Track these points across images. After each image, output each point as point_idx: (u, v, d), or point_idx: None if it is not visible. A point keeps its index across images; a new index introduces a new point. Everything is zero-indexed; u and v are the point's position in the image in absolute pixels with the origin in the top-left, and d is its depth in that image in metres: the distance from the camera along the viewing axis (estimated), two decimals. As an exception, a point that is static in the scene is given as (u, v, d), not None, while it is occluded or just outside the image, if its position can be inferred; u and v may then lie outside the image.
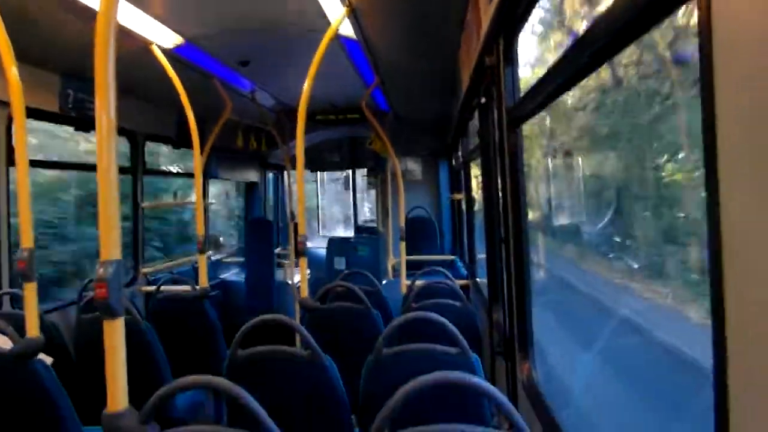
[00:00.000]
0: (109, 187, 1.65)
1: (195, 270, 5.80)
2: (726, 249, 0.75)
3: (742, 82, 0.70)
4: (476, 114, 3.63)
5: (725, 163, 0.74)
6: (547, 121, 4.37)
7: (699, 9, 0.79)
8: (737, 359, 0.74)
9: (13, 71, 2.57)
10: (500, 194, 2.60)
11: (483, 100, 3.08)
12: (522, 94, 2.28)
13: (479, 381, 1.41)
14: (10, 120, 3.58)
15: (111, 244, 1.64)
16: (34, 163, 3.77)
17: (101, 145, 1.65)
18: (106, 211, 1.65)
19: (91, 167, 4.63)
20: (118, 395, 1.63)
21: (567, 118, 4.06)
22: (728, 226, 0.74)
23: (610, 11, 1.17)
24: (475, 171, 5.32)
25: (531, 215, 3.21)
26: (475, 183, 5.58)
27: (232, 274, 7.31)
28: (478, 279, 5.12)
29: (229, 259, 7.64)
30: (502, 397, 1.38)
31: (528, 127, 2.50)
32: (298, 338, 4.51)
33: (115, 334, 1.65)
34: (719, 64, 0.75)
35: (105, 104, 1.64)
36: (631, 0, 1.06)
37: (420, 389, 1.39)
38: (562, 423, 1.88)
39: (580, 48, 1.43)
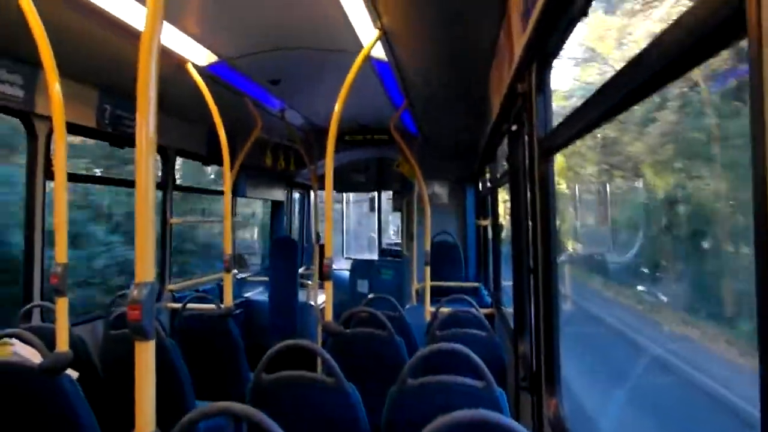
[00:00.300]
0: (146, 206, 1.65)
1: (220, 288, 5.83)
2: None
3: None
4: (505, 140, 3.61)
5: None
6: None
7: (750, 44, 0.77)
8: None
9: (56, 87, 2.63)
10: (530, 223, 2.56)
11: (514, 127, 3.06)
12: (555, 124, 2.25)
13: (507, 421, 1.38)
14: (49, 134, 3.68)
15: (146, 266, 1.64)
16: (72, 178, 3.85)
17: (140, 163, 1.65)
18: (143, 230, 1.65)
19: (129, 183, 4.73)
20: (146, 418, 1.63)
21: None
22: None
23: (654, 45, 1.15)
24: (503, 197, 5.28)
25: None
26: (502, 209, 5.53)
27: (256, 293, 7.33)
28: (503, 307, 5.04)
29: (253, 278, 7.68)
30: None
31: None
32: (320, 362, 4.48)
33: (145, 356, 1.64)
34: None
35: (145, 122, 1.66)
36: (675, 38, 1.03)
37: (447, 427, 1.36)
38: None
39: (620, 82, 1.41)
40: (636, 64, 1.28)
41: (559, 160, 2.37)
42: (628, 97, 1.39)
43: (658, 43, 1.12)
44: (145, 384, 1.63)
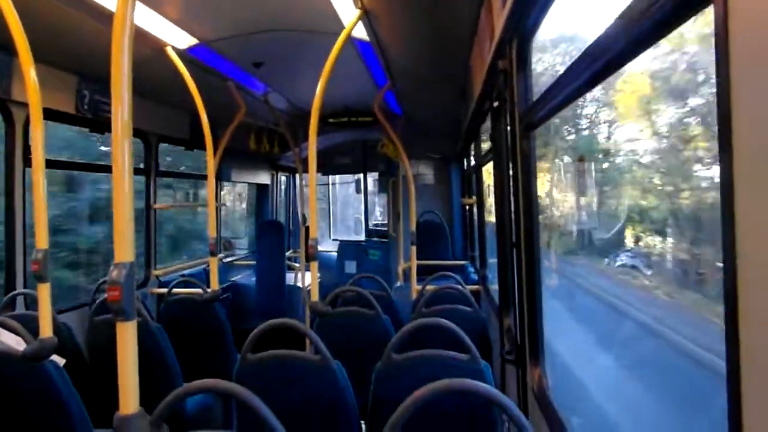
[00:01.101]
0: (123, 189, 1.65)
1: (206, 272, 5.82)
2: (740, 249, 0.73)
3: (759, 83, 0.69)
4: (488, 118, 3.61)
5: (740, 163, 0.73)
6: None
7: (716, 14, 0.78)
8: (749, 360, 0.72)
9: (31, 72, 2.58)
10: (512, 199, 2.58)
11: (495, 104, 3.06)
12: (535, 99, 2.26)
13: (490, 389, 1.40)
14: (27, 120, 3.62)
15: (124, 247, 1.64)
16: (50, 164, 3.81)
17: (116, 147, 1.64)
18: (121, 213, 1.65)
19: (107, 168, 4.67)
20: (129, 398, 1.63)
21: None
22: (743, 226, 0.72)
23: (626, 14, 1.15)
24: (488, 175, 5.30)
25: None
26: (487, 187, 5.56)
27: (242, 277, 7.33)
28: (489, 285, 5.09)
29: (239, 262, 7.67)
30: (513, 407, 1.36)
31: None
32: (308, 342, 4.50)
33: (127, 337, 1.65)
34: (735, 67, 0.73)
35: (120, 106, 1.65)
36: (648, 3, 1.04)
37: (430, 396, 1.38)
38: (574, 429, 1.86)
39: (596, 52, 1.42)
40: (610, 34, 1.28)
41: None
42: (605, 67, 1.40)
43: (629, 12, 1.13)
44: (128, 365, 1.64)
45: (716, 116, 0.78)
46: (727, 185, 0.75)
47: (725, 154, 0.75)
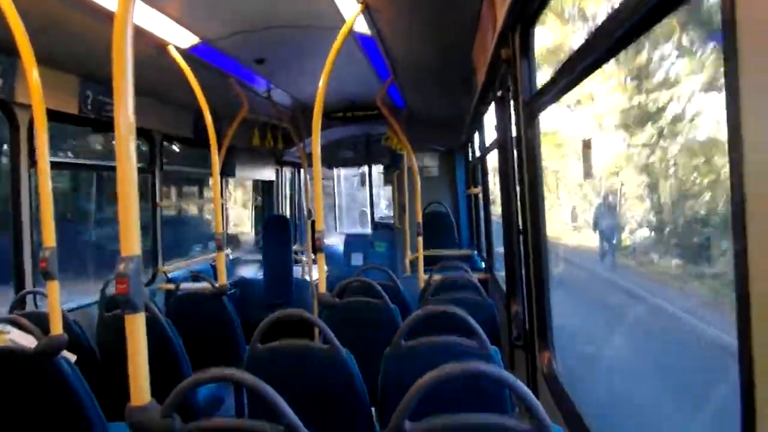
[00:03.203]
0: (128, 186, 1.67)
1: (214, 268, 5.85)
2: (752, 240, 0.73)
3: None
4: (492, 108, 3.61)
5: (752, 156, 0.72)
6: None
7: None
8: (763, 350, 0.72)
9: (34, 74, 2.59)
10: (518, 186, 2.58)
11: (499, 93, 3.06)
12: (539, 86, 2.25)
13: (500, 371, 1.40)
14: (31, 122, 3.64)
15: (131, 241, 1.66)
16: (55, 165, 3.83)
17: (120, 145, 1.67)
18: (126, 208, 1.67)
19: (111, 168, 4.70)
20: (141, 389, 1.65)
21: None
22: (755, 219, 0.72)
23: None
24: (493, 165, 5.29)
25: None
26: (492, 177, 5.55)
27: (250, 272, 7.36)
28: (495, 272, 5.09)
29: (247, 257, 7.70)
30: (524, 388, 1.36)
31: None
32: (317, 333, 4.53)
33: (136, 329, 1.67)
34: (744, 59, 0.72)
35: (123, 105, 1.66)
36: None
37: (441, 380, 1.38)
38: (584, 412, 1.87)
39: (599, 36, 1.41)
40: (612, 18, 1.28)
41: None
42: (608, 50, 1.40)
43: None
44: (138, 356, 1.66)
45: (726, 112, 0.77)
46: (736, 172, 0.74)
47: (735, 154, 0.74)
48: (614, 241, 5.58)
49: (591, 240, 6.09)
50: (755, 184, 0.71)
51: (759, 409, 0.74)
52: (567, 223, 6.82)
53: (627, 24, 1.20)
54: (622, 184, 5.16)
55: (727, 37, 0.75)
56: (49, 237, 2.61)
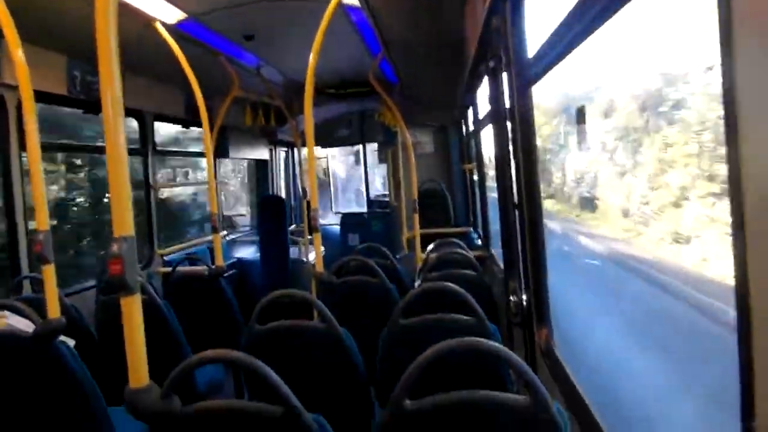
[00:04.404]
0: (118, 166, 1.64)
1: (210, 250, 5.83)
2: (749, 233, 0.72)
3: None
4: (485, 81, 3.57)
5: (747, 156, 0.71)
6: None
7: None
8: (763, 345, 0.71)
9: (19, 53, 2.54)
10: (513, 160, 2.56)
11: (491, 64, 3.02)
12: (531, 55, 2.22)
13: (500, 347, 1.40)
14: (19, 104, 3.58)
15: (123, 221, 1.64)
16: (45, 147, 3.78)
17: (108, 124, 1.63)
18: (117, 189, 1.65)
19: (101, 149, 4.65)
20: (139, 371, 1.64)
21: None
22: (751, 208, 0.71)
23: None
24: (488, 139, 5.25)
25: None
26: (487, 152, 5.53)
27: (248, 253, 7.35)
28: (492, 249, 5.09)
29: (244, 239, 7.68)
30: (523, 364, 1.37)
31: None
32: (315, 313, 4.54)
33: (132, 311, 1.65)
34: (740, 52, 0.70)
35: (110, 83, 1.62)
36: None
37: (441, 355, 1.38)
38: (582, 387, 1.87)
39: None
40: None
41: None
42: (600, 14, 1.37)
43: None
44: (136, 338, 1.65)
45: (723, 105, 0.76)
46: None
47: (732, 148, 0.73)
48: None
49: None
50: (754, 183, 0.70)
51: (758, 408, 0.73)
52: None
53: None
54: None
55: (724, 32, 0.74)
56: (43, 220, 2.59)
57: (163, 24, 3.69)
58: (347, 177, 12.20)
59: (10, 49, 2.53)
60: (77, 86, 4.09)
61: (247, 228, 8.36)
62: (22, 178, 3.65)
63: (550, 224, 5.48)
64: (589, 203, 5.52)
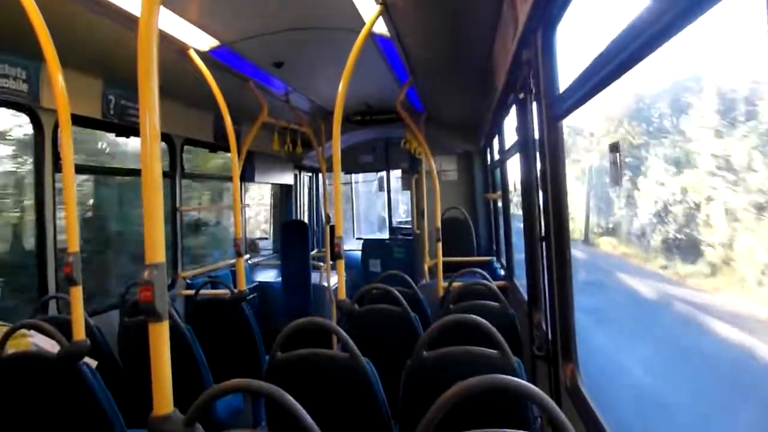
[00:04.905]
0: (153, 193, 1.66)
1: (233, 273, 5.86)
2: None
3: None
4: (513, 111, 3.56)
5: None
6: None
7: None
8: None
9: (59, 79, 2.61)
10: (540, 191, 2.53)
11: (521, 95, 3.01)
12: (562, 89, 2.21)
13: (528, 386, 1.36)
14: (56, 127, 3.68)
15: (156, 248, 1.65)
16: (79, 169, 3.87)
17: (145, 151, 1.66)
18: (151, 215, 1.66)
19: (136, 172, 4.74)
20: (163, 398, 1.64)
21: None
22: None
23: None
24: (513, 170, 5.22)
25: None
26: (512, 182, 5.49)
27: (269, 277, 7.37)
28: (515, 280, 5.02)
29: (266, 262, 7.71)
30: (550, 401, 1.32)
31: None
32: (335, 341, 4.51)
33: (160, 337, 1.65)
34: None
35: (148, 109, 1.66)
36: None
37: (465, 395, 1.34)
38: (609, 426, 1.81)
39: (626, 38, 1.37)
40: (640, 19, 1.24)
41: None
42: (635, 53, 1.35)
43: None
44: (162, 365, 1.64)
45: None
46: None
47: None
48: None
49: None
50: None
51: None
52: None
53: (655, 25, 1.16)
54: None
55: None
56: (73, 242, 2.62)
57: (197, 51, 3.78)
58: (369, 203, 12.24)
59: (50, 74, 2.61)
60: (111, 110, 4.19)
61: (269, 251, 8.40)
62: (54, 200, 3.72)
63: (617, 277, 4.25)
64: (688, 249, 3.33)
